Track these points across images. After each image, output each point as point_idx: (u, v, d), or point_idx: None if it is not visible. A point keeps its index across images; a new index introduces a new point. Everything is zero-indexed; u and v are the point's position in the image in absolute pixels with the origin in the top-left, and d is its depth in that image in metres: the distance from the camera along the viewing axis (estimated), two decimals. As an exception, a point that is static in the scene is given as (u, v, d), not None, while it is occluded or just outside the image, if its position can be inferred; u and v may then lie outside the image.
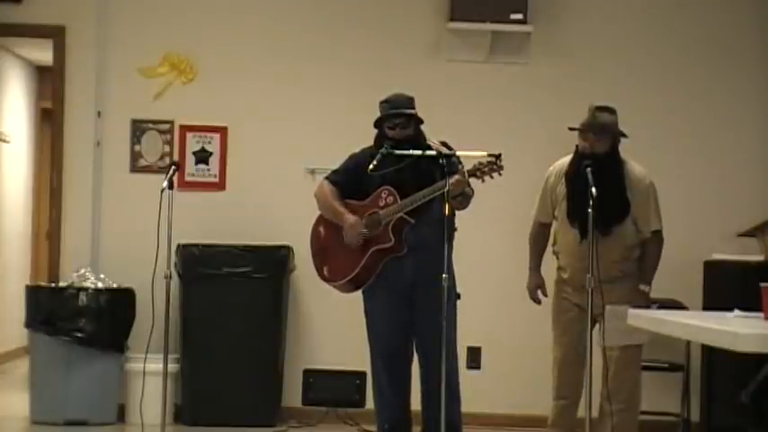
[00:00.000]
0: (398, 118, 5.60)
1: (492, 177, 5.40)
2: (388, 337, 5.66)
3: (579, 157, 5.74)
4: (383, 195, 5.56)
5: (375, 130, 5.76)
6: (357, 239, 5.57)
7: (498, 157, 5.33)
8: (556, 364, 5.90)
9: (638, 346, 5.82)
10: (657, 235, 5.82)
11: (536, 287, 6.00)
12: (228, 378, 7.18)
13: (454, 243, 5.71)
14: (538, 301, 6.02)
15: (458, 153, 5.45)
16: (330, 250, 5.72)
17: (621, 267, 5.75)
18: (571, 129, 5.79)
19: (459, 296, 5.72)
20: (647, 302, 5.72)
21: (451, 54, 7.60)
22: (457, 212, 5.58)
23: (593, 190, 5.35)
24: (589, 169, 5.44)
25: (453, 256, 5.55)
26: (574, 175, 5.73)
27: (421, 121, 5.66)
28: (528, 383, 7.30)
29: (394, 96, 5.68)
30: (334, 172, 5.81)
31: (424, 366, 5.62)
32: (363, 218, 5.58)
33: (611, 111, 5.80)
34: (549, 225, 6.02)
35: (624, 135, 5.82)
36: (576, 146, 5.81)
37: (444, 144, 5.60)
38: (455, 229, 5.73)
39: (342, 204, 5.68)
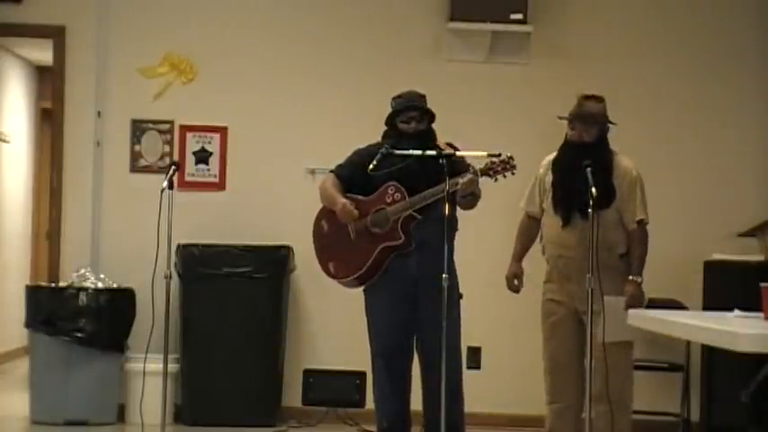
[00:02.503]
0: (414, 111, 5.62)
1: (504, 177, 5.39)
2: (388, 336, 5.64)
3: (567, 146, 5.78)
4: (390, 191, 5.55)
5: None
6: (351, 217, 5.56)
7: (511, 157, 5.32)
8: (546, 368, 5.89)
9: (627, 347, 5.77)
10: (642, 225, 5.76)
11: (513, 276, 5.95)
12: (228, 378, 7.18)
13: (455, 242, 5.72)
14: (514, 290, 5.98)
15: (457, 153, 5.44)
16: (335, 246, 5.70)
17: (601, 257, 5.63)
18: (560, 118, 5.82)
19: (461, 296, 5.72)
20: (641, 294, 5.69)
21: (451, 54, 7.60)
22: (458, 212, 5.59)
23: (593, 190, 5.35)
24: (589, 169, 5.44)
25: (454, 255, 5.56)
26: (561, 163, 5.77)
27: (433, 119, 5.67)
28: (528, 383, 7.28)
29: (408, 92, 5.70)
30: (339, 165, 5.82)
31: (425, 366, 5.61)
32: (370, 214, 5.58)
33: (599, 99, 5.81)
34: (537, 219, 6.00)
35: (612, 123, 5.83)
36: (566, 134, 5.84)
37: (450, 145, 5.60)
38: (456, 229, 5.74)
39: (339, 193, 5.67)
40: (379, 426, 5.75)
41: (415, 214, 5.49)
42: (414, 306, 5.57)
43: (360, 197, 5.65)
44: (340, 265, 5.68)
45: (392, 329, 5.63)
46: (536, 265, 5.99)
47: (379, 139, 5.75)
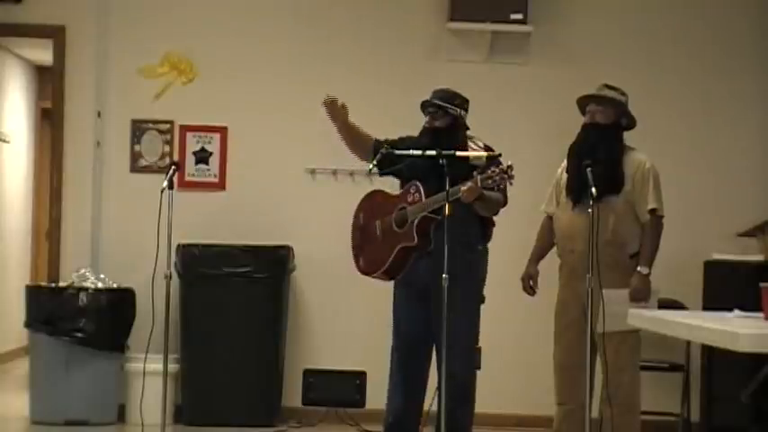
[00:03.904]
0: (431, 107, 5.62)
1: (501, 187, 5.37)
2: (405, 334, 5.64)
3: (581, 130, 5.83)
4: (411, 191, 5.52)
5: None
6: (335, 105, 5.64)
7: (509, 167, 5.28)
8: (555, 368, 5.90)
9: (633, 346, 5.77)
10: (655, 215, 5.76)
11: (528, 277, 5.97)
12: (228, 378, 7.18)
13: (489, 245, 5.70)
14: (529, 291, 5.98)
15: (458, 154, 5.42)
16: (365, 242, 5.70)
17: (612, 253, 5.67)
18: (579, 99, 5.90)
19: (483, 300, 5.69)
20: (646, 286, 5.70)
21: (451, 54, 7.60)
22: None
23: (594, 190, 5.36)
24: (589, 169, 5.45)
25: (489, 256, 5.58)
26: (574, 145, 5.82)
27: (460, 120, 5.62)
28: (528, 383, 7.31)
29: (440, 89, 5.70)
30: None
31: (439, 367, 5.61)
32: (394, 213, 5.56)
33: (620, 91, 5.90)
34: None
35: (632, 119, 5.85)
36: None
37: (487, 147, 5.58)
38: (488, 234, 5.69)
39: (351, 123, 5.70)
40: (385, 419, 5.75)
41: (432, 215, 5.45)
42: (429, 308, 5.56)
43: (388, 192, 5.67)
44: (367, 261, 5.69)
45: (409, 327, 5.62)
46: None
47: (383, 137, 5.76)
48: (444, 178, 5.27)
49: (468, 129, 5.68)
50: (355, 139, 5.76)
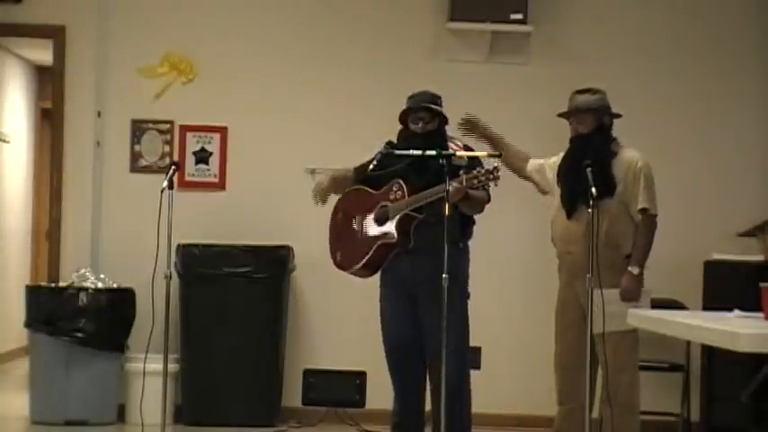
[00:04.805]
0: (423, 112, 5.61)
1: (487, 187, 5.38)
2: (394, 336, 5.65)
3: (570, 142, 5.84)
4: (394, 189, 5.53)
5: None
6: (317, 190, 5.76)
7: (495, 168, 5.27)
8: (556, 368, 5.90)
9: (630, 346, 5.77)
10: (646, 214, 5.72)
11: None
12: (228, 378, 7.18)
13: (470, 243, 5.71)
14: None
15: (458, 153, 5.42)
16: (344, 237, 5.73)
17: (608, 254, 5.63)
18: (559, 115, 5.91)
19: (468, 296, 5.70)
20: (636, 285, 5.68)
21: (451, 54, 7.60)
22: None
23: (594, 190, 5.36)
24: (589, 169, 5.45)
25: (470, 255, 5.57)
26: (564, 159, 5.84)
27: (445, 121, 5.65)
28: (528, 383, 7.30)
29: (421, 92, 5.69)
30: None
31: (429, 367, 5.61)
32: (375, 210, 5.58)
33: (592, 91, 5.85)
34: (525, 170, 6.08)
35: (614, 114, 5.84)
36: None
37: (467, 147, 5.59)
38: (469, 233, 5.71)
39: (336, 176, 5.74)
40: (391, 420, 5.76)
41: (414, 214, 5.47)
42: (415, 307, 5.57)
43: (369, 189, 5.67)
44: (345, 256, 5.71)
45: (396, 329, 5.63)
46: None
47: (383, 137, 5.75)
48: (426, 177, 5.31)
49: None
50: (340, 186, 5.80)
